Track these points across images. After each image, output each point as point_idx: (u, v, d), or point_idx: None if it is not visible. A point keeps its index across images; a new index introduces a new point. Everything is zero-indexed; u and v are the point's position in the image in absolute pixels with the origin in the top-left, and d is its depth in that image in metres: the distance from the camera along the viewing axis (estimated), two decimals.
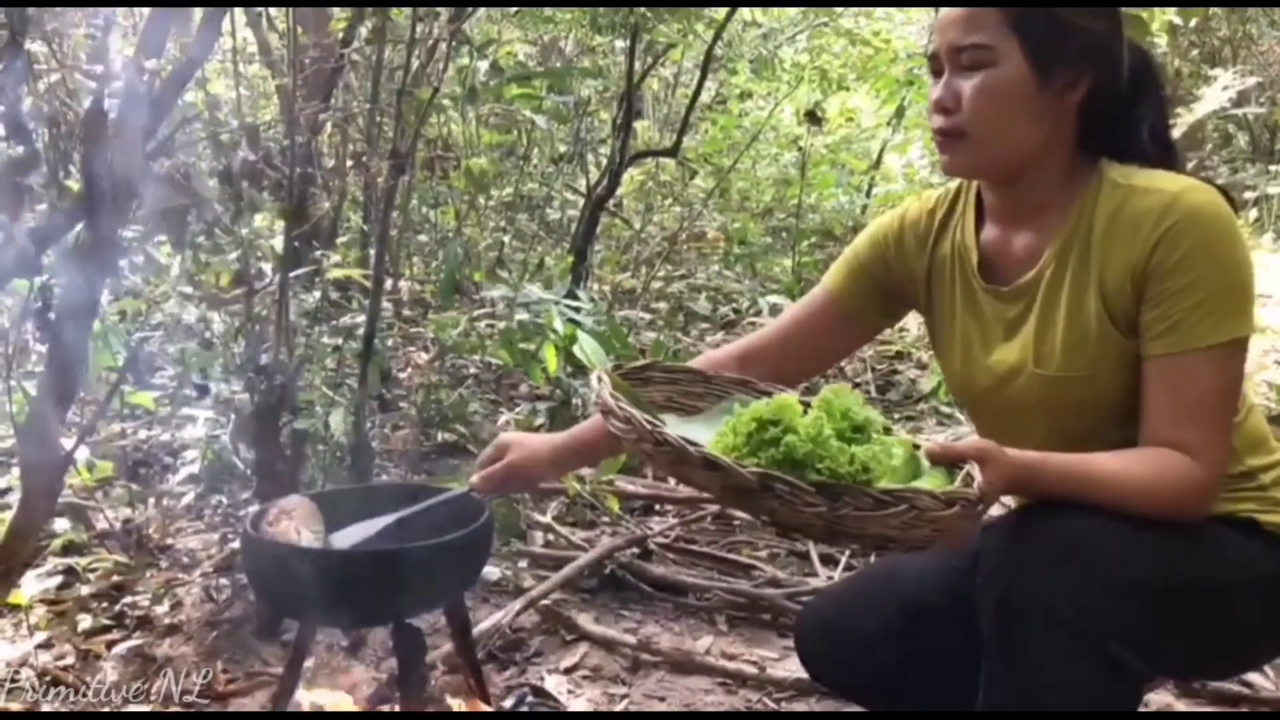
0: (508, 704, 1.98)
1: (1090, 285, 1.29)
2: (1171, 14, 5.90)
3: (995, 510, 1.31)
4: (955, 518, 1.06)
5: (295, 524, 1.59)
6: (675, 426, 1.18)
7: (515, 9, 4.95)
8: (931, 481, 1.15)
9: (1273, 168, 7.55)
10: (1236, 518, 1.30)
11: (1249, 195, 7.22)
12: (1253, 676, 2.08)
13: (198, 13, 1.91)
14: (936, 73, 1.34)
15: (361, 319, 2.86)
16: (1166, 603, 1.19)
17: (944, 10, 1.33)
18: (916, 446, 1.21)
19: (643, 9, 4.40)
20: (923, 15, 6.74)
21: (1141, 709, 1.96)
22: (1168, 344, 1.24)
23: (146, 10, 1.78)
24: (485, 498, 1.61)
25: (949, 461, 1.17)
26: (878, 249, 1.52)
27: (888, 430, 1.22)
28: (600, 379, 1.22)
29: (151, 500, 2.75)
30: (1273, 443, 1.37)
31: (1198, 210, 1.24)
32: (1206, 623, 1.24)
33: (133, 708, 1.94)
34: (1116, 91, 1.32)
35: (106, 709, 1.93)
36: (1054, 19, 1.27)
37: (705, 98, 6.37)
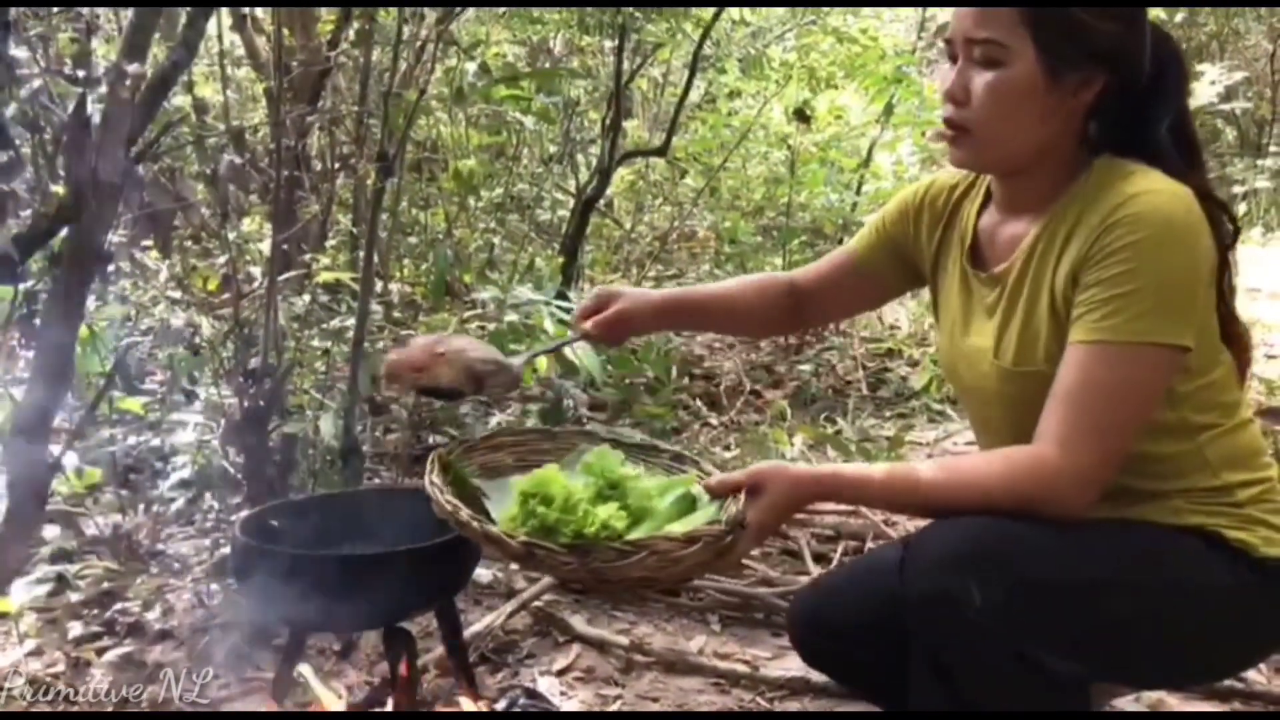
0: (500, 706, 1.97)
1: (1046, 282, 1.30)
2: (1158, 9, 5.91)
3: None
4: (699, 553, 1.21)
5: (472, 351, 1.51)
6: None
7: (503, 10, 4.94)
8: (706, 515, 1.30)
9: (1260, 162, 7.58)
10: (1203, 530, 1.27)
11: (1237, 190, 7.25)
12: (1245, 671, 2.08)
13: (182, 16, 1.90)
14: (952, 57, 1.34)
15: (351, 322, 2.85)
16: (1089, 604, 1.18)
17: None
18: (707, 475, 1.37)
19: (630, 9, 4.39)
20: (910, 13, 6.75)
21: (1133, 705, 1.97)
22: (1077, 331, 1.23)
23: (129, 13, 1.77)
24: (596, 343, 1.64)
25: (726, 493, 1.29)
26: (902, 218, 1.56)
27: (678, 459, 1.49)
28: (432, 462, 1.39)
29: (141, 506, 2.74)
30: (1262, 460, 1.34)
31: (1149, 210, 1.21)
32: (1147, 628, 1.22)
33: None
34: (1134, 89, 1.30)
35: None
36: (1071, 20, 1.25)
37: (694, 97, 6.36)
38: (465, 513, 1.27)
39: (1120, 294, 1.20)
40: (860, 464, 1.30)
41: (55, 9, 2.23)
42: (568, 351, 3.28)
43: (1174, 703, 2.01)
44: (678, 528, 1.27)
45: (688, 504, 1.33)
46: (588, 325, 1.55)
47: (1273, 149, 8.01)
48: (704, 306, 1.66)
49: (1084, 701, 1.22)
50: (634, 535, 1.25)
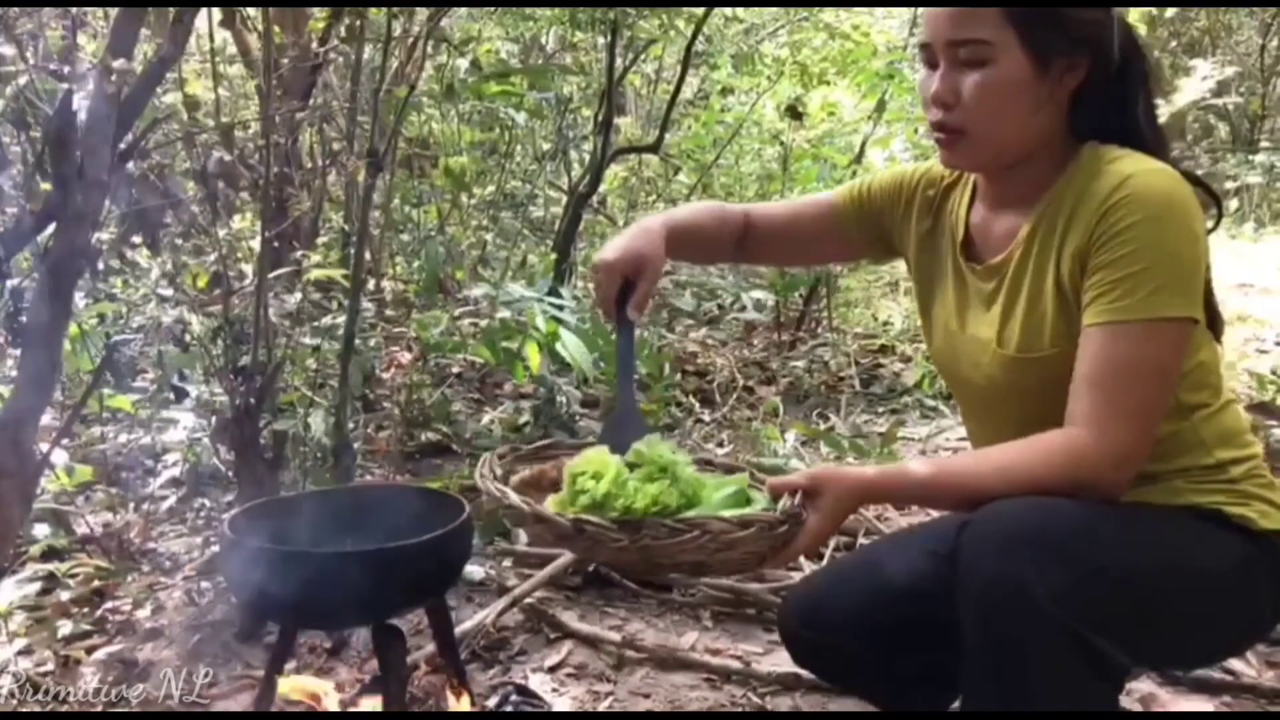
0: (492, 703, 1.98)
1: (1050, 268, 1.31)
2: None
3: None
4: (753, 539, 1.19)
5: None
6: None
7: (496, 7, 4.93)
8: (760, 506, 1.27)
9: (1252, 158, 7.60)
10: (1203, 509, 1.30)
11: (1230, 185, 7.26)
12: (1235, 663, 2.09)
13: (169, 12, 1.89)
14: (930, 63, 1.34)
15: (342, 319, 2.84)
16: (1141, 591, 1.19)
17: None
18: (760, 482, 1.34)
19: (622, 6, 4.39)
20: (903, 10, 6.74)
21: (1124, 700, 1.97)
22: (1093, 313, 1.24)
23: (115, 9, 1.77)
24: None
25: (785, 491, 1.27)
26: (890, 197, 1.56)
27: (729, 470, 1.42)
28: (485, 460, 1.38)
29: (132, 504, 2.73)
30: (1248, 437, 1.37)
31: (1146, 189, 1.24)
32: (1180, 610, 1.24)
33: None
34: (1108, 73, 1.32)
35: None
36: (1052, 10, 1.27)
37: (687, 93, 6.35)
38: (514, 495, 1.26)
39: (1131, 273, 1.22)
40: (906, 463, 1.29)
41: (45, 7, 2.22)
42: (559, 349, 3.28)
43: (1164, 696, 2.02)
44: (730, 514, 1.23)
45: (741, 500, 1.30)
46: (634, 315, 1.49)
47: (1264, 144, 8.02)
48: (687, 234, 1.59)
49: (1119, 691, 1.23)
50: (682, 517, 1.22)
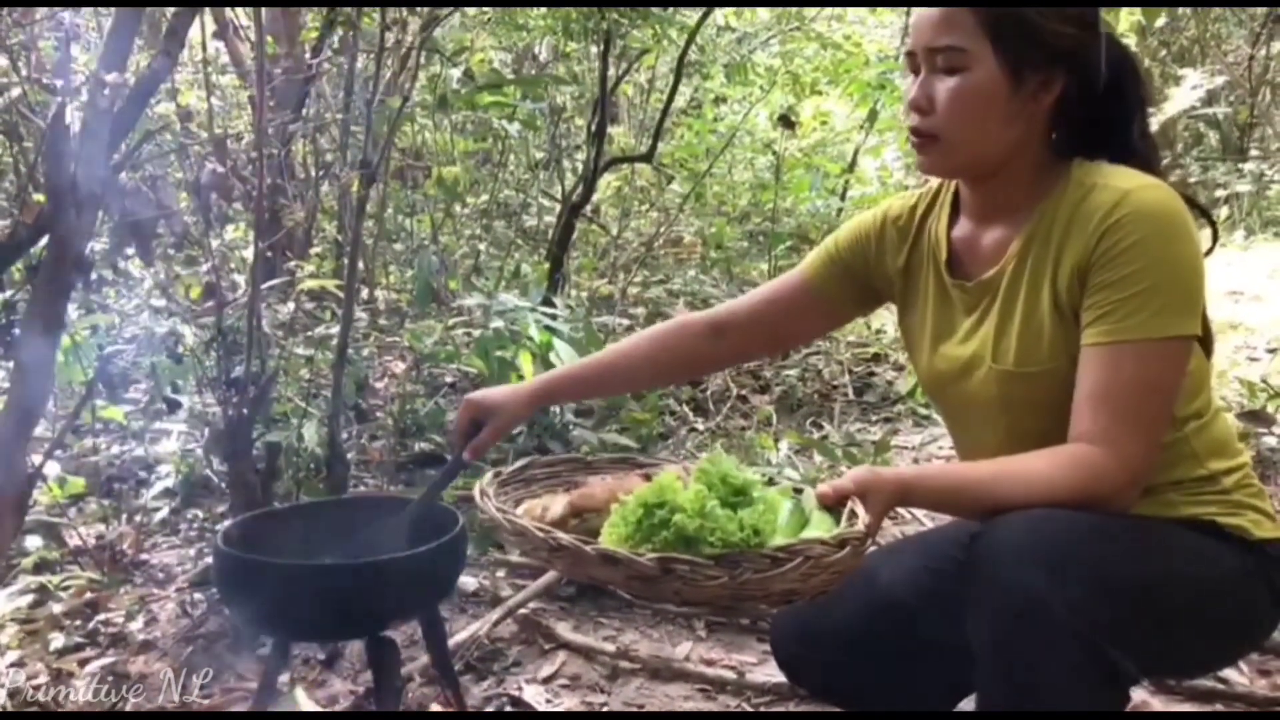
0: None
1: (1046, 282, 1.31)
2: (1139, 13, 5.94)
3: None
4: (848, 558, 1.12)
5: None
6: None
7: (488, 16, 4.94)
8: (820, 524, 1.20)
9: (1242, 166, 7.63)
10: (1198, 520, 1.31)
11: (1220, 193, 7.29)
12: (1228, 672, 2.09)
13: (163, 23, 1.89)
14: (914, 70, 1.35)
15: (336, 329, 2.84)
16: (1153, 601, 1.20)
17: (921, 9, 1.35)
18: (799, 491, 1.28)
19: (614, 13, 4.39)
20: (895, 17, 6.78)
21: None
22: (1097, 333, 1.25)
23: (109, 21, 1.77)
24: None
25: (841, 500, 1.22)
26: (859, 246, 1.54)
27: (771, 482, 1.31)
28: (483, 494, 1.29)
29: (125, 515, 2.73)
30: (1236, 446, 1.38)
31: (1146, 206, 1.24)
32: (1187, 621, 1.24)
33: None
34: (1093, 92, 1.32)
35: None
36: (1028, 23, 1.28)
37: (680, 103, 6.37)
38: (567, 537, 1.15)
39: (1136, 293, 1.23)
40: (936, 467, 1.26)
41: (39, 14, 2.22)
42: (553, 358, 3.28)
43: (1157, 705, 2.02)
44: (817, 533, 1.17)
45: (802, 514, 1.24)
46: (468, 456, 1.56)
47: (1254, 152, 8.06)
48: (583, 378, 1.62)
49: (1128, 702, 1.23)
50: (775, 544, 1.14)
